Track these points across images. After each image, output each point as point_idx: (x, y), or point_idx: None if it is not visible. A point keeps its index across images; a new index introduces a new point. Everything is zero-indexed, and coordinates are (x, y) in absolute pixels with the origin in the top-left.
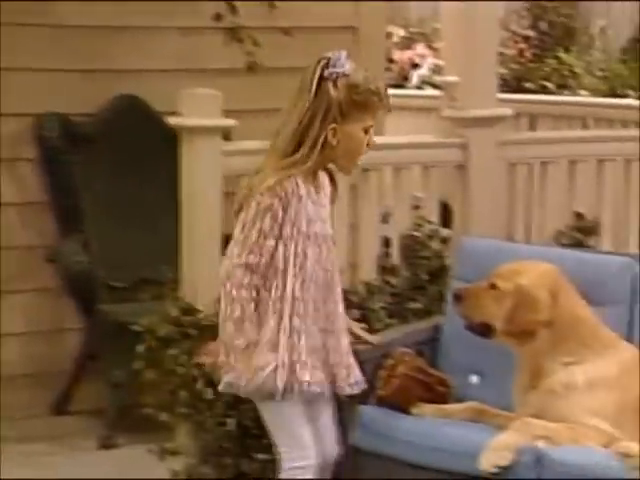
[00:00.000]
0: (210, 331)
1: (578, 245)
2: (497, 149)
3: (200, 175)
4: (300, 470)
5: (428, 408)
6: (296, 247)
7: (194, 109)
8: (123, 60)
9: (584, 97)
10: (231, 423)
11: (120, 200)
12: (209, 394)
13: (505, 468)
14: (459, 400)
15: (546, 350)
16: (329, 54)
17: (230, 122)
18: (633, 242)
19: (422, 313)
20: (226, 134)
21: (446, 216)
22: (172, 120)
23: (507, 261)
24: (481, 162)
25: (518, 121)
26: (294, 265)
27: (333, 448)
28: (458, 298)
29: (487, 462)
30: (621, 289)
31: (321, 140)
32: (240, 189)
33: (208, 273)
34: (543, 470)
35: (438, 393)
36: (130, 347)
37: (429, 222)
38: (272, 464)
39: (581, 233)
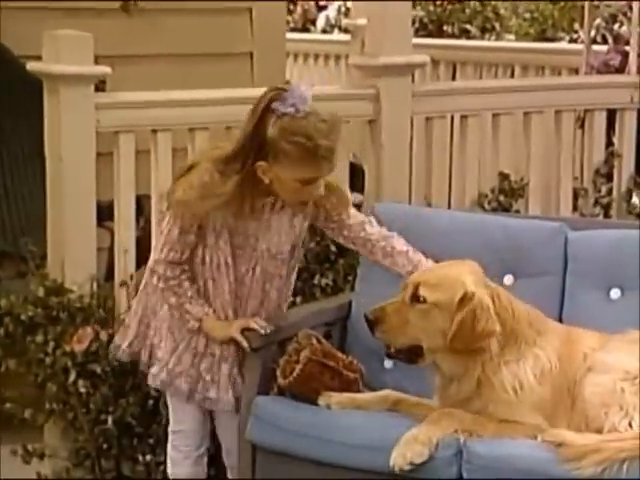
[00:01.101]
0: (82, 314)
1: (503, 210)
2: (413, 101)
3: (69, 132)
4: None
5: (337, 398)
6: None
7: (61, 54)
8: None
9: (510, 42)
10: (109, 420)
11: None
12: (82, 387)
13: (422, 464)
14: (373, 388)
15: (493, 357)
16: (287, 86)
17: (104, 70)
18: (564, 205)
19: (330, 290)
20: (99, 84)
21: (355, 178)
22: (34, 66)
23: (425, 230)
24: (395, 116)
25: (436, 69)
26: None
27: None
28: (373, 322)
29: (400, 458)
30: (552, 258)
31: (249, 173)
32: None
33: (80, 247)
34: (464, 465)
35: (348, 380)
36: None
37: None
38: (158, 466)
39: (507, 196)
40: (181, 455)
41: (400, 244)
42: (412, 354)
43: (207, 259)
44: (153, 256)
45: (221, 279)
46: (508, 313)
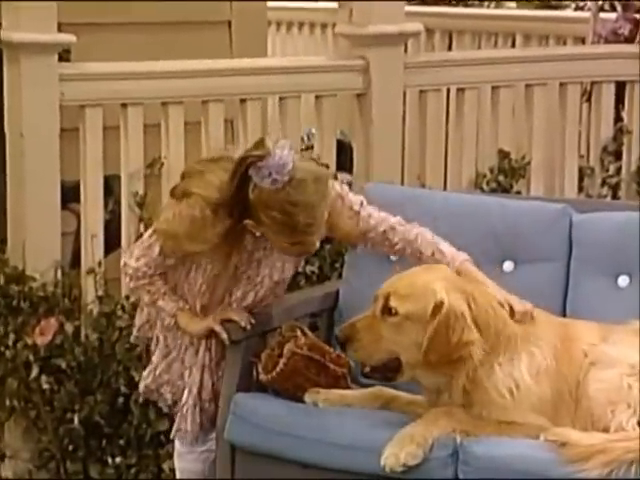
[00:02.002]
0: (46, 304)
1: (503, 191)
2: (405, 73)
3: (31, 105)
4: None
5: (325, 395)
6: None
7: (22, 21)
8: None
9: (511, 9)
10: (75, 420)
11: None
12: (45, 383)
13: (415, 466)
14: (362, 385)
15: (478, 364)
16: (265, 152)
17: (68, 38)
18: (569, 185)
19: (316, 278)
20: (63, 53)
21: (343, 157)
22: None
23: (419, 213)
24: (385, 89)
25: (431, 39)
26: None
27: None
28: (344, 341)
29: (392, 459)
30: (555, 243)
31: (233, 230)
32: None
33: (43, 231)
34: (460, 466)
35: (336, 375)
36: None
37: (323, 165)
38: (129, 469)
39: (506, 176)
40: (184, 449)
41: (425, 246)
42: (389, 371)
43: (190, 275)
44: (125, 258)
45: (193, 297)
46: (489, 315)
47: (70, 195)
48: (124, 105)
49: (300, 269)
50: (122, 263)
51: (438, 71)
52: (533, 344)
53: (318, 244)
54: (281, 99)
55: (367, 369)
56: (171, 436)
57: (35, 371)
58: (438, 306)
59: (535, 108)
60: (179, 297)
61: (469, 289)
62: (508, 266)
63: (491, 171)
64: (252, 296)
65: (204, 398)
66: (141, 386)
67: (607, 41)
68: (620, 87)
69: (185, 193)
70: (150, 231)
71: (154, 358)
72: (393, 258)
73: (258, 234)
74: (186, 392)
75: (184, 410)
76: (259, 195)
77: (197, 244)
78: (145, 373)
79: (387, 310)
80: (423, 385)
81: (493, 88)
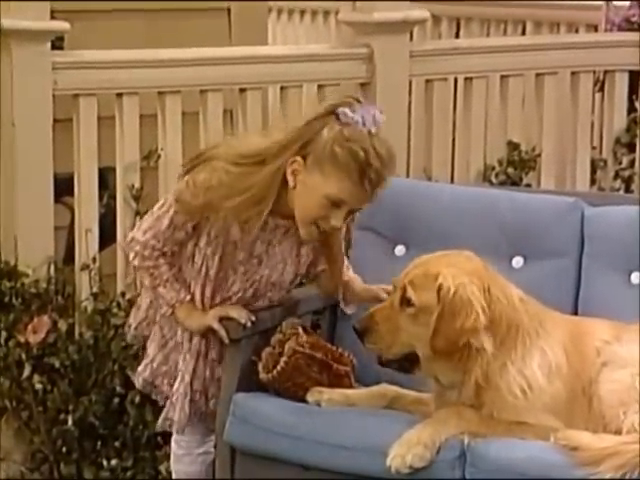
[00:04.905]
0: (38, 301)
1: (513, 184)
2: (411, 62)
3: (23, 94)
4: None
5: (328, 394)
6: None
7: (13, 7)
8: None
9: None
10: (69, 420)
11: None
12: (38, 383)
13: (422, 468)
14: (365, 384)
15: (491, 358)
16: (361, 100)
17: (61, 25)
18: (581, 178)
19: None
20: (56, 41)
21: None
22: None
23: (425, 207)
24: (390, 78)
25: (437, 26)
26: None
27: None
28: (362, 332)
29: (399, 460)
30: (567, 238)
31: (280, 173)
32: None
33: (35, 226)
34: (468, 468)
35: (339, 374)
36: None
37: None
38: (125, 472)
39: (516, 168)
40: (181, 451)
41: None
42: (407, 362)
43: (196, 258)
44: (133, 233)
45: (196, 286)
46: (503, 305)
47: (63, 188)
48: (119, 95)
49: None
50: (129, 238)
51: (445, 60)
52: (544, 340)
53: (341, 223)
54: (282, 89)
55: (386, 361)
56: (157, 426)
57: (27, 370)
58: (442, 291)
59: (546, 98)
60: (181, 286)
61: (485, 277)
62: (517, 262)
63: (500, 163)
64: (250, 293)
65: (195, 388)
66: (139, 380)
67: (620, 29)
68: (634, 76)
69: (210, 156)
70: (160, 203)
71: (150, 350)
72: (398, 254)
73: (273, 223)
74: (178, 379)
75: (174, 398)
76: (341, 130)
77: (238, 196)
78: (140, 368)
79: (405, 301)
80: (439, 381)
81: (502, 77)
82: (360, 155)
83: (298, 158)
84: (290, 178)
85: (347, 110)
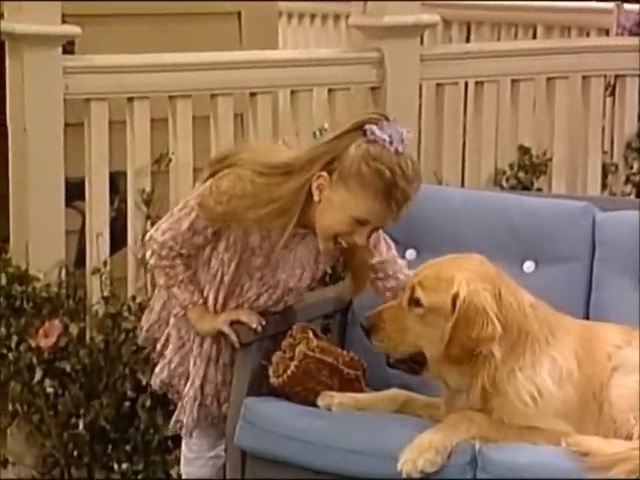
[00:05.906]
0: (49, 305)
1: (524, 188)
2: (421, 66)
3: (34, 99)
4: None
5: (338, 398)
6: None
7: (25, 12)
8: None
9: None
10: (80, 424)
11: None
12: (49, 387)
13: (433, 473)
14: (376, 388)
15: (499, 363)
16: (389, 117)
17: (73, 30)
18: (592, 182)
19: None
20: (68, 45)
21: None
22: None
23: (435, 211)
24: (401, 83)
25: (448, 30)
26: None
27: None
28: (368, 330)
29: (410, 464)
30: (578, 242)
31: (305, 187)
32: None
33: (47, 230)
34: (479, 473)
35: (349, 379)
36: None
37: None
38: (136, 476)
39: (527, 172)
40: (192, 455)
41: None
42: (415, 363)
43: (212, 263)
44: (151, 232)
45: (210, 290)
46: (514, 311)
47: (74, 192)
48: (130, 99)
49: None
50: (147, 236)
51: (456, 64)
52: (554, 347)
53: (364, 241)
54: (292, 93)
55: (392, 360)
56: (169, 428)
57: (39, 374)
58: (459, 300)
59: (557, 102)
60: (195, 288)
61: (497, 282)
62: (529, 266)
63: (511, 167)
64: (264, 299)
65: (206, 392)
66: (156, 382)
67: (631, 33)
68: None
69: (234, 162)
70: (180, 205)
71: (167, 352)
72: (409, 257)
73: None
74: (189, 383)
75: (184, 401)
76: (368, 149)
77: (265, 207)
78: (158, 369)
79: (414, 301)
80: (447, 384)
81: (513, 81)
82: (387, 175)
83: (324, 173)
84: (315, 193)
85: (375, 128)
